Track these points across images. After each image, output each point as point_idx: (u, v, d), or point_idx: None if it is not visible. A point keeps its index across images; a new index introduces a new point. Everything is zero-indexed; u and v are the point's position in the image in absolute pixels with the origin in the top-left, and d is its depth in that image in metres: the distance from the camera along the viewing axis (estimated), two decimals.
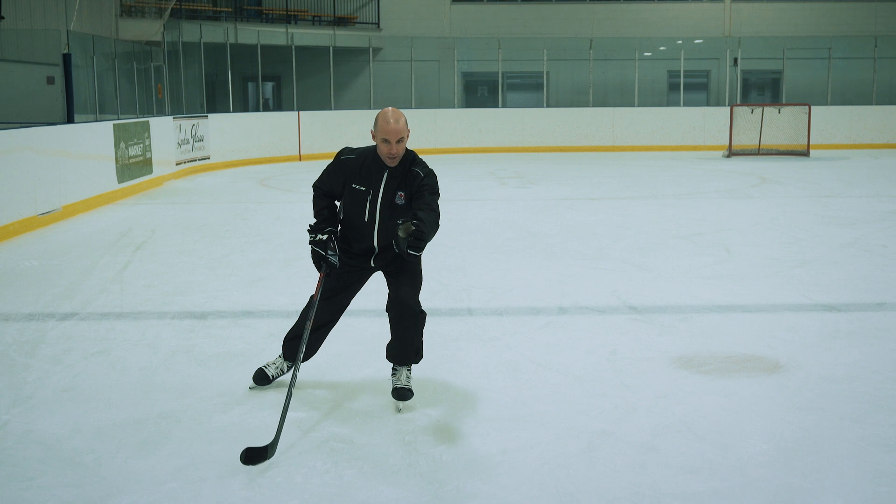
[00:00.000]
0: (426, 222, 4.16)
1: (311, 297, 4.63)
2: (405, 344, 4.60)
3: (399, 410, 4.51)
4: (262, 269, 8.15)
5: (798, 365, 5.22)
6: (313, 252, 4.56)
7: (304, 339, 4.51)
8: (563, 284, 7.44)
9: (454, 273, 7.81)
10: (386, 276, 4.66)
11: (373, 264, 4.62)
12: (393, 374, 4.65)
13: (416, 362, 4.69)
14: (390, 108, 4.43)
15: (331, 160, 4.64)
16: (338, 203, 4.65)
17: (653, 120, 24.66)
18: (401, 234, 3.99)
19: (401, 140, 4.34)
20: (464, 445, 4.11)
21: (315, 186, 4.65)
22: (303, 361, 4.76)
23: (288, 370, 4.83)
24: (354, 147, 4.61)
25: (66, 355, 5.56)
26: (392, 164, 4.40)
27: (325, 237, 4.52)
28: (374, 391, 4.71)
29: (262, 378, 4.84)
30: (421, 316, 4.61)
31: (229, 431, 4.28)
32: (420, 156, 4.59)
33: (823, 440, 4.12)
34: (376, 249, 4.57)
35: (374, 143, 4.48)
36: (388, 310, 4.62)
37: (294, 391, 4.81)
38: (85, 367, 5.32)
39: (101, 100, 17.22)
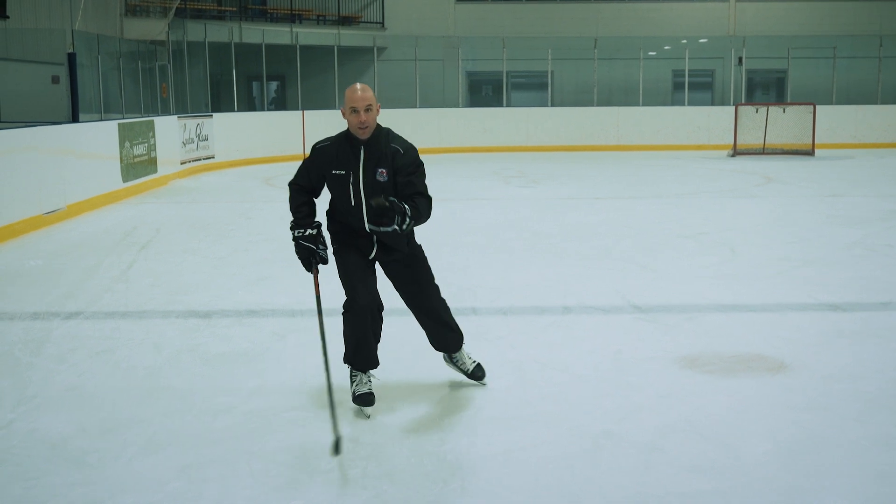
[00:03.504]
0: (419, 209, 4.28)
1: (317, 299, 4.53)
2: (450, 332, 4.75)
3: (484, 383, 4.80)
4: (266, 268, 8.16)
5: (802, 364, 5.22)
6: (301, 248, 4.46)
7: (366, 342, 4.48)
8: (568, 284, 7.44)
9: (458, 273, 7.81)
10: (395, 284, 4.65)
11: (373, 257, 4.52)
12: (453, 361, 4.83)
13: (464, 341, 4.85)
14: (358, 82, 4.47)
15: None
16: (316, 200, 4.59)
17: (657, 119, 24.62)
18: (373, 203, 4.11)
19: (369, 108, 4.32)
20: (468, 444, 4.11)
21: (291, 184, 4.57)
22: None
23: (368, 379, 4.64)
24: (325, 137, 4.56)
25: (70, 354, 5.57)
26: (363, 135, 4.35)
27: (314, 231, 4.46)
28: (378, 390, 4.71)
29: (367, 399, 4.53)
30: (445, 304, 4.75)
31: (233, 431, 4.29)
32: (419, 150, 4.53)
33: (827, 440, 4.12)
34: (374, 239, 4.46)
35: (343, 131, 4.46)
36: (415, 313, 4.71)
37: (299, 389, 4.82)
38: (90, 367, 5.33)
39: (105, 99, 17.24)
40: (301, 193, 4.54)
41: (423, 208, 4.32)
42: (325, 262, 4.49)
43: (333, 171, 4.42)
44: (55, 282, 7.72)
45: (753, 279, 7.57)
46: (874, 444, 4.07)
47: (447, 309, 4.77)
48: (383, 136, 4.43)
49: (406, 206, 4.18)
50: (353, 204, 4.42)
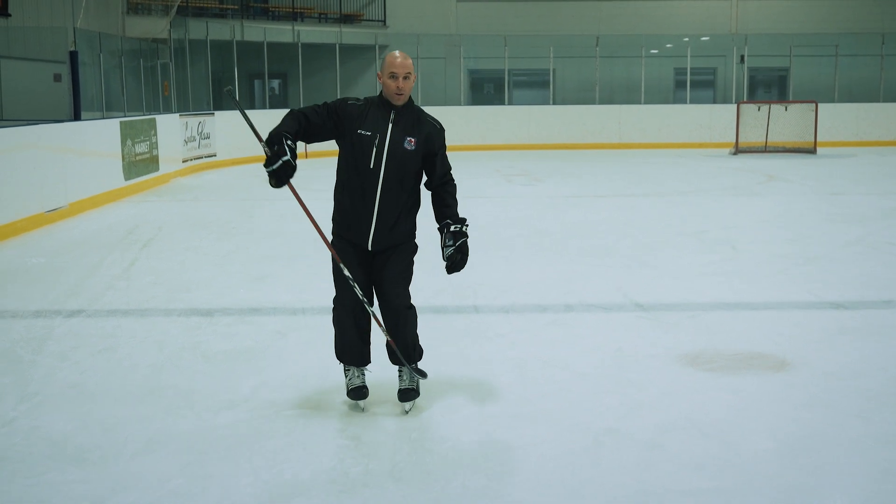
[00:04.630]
0: (456, 198, 4.51)
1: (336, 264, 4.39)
2: (402, 344, 4.49)
3: (406, 412, 4.50)
4: (267, 266, 8.16)
5: (804, 362, 5.22)
6: (282, 152, 4.16)
7: (355, 341, 4.47)
8: (569, 282, 7.44)
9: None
10: (375, 262, 4.45)
11: (371, 248, 4.39)
12: (399, 376, 4.58)
13: (419, 359, 4.62)
14: (398, 50, 4.46)
15: (336, 156, 4.50)
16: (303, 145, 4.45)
17: (659, 117, 24.62)
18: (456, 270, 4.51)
19: (408, 76, 4.32)
20: (469, 443, 4.11)
21: (295, 110, 4.33)
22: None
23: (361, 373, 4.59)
24: (355, 97, 4.50)
25: (72, 352, 5.58)
26: (399, 101, 4.35)
27: (294, 148, 4.21)
28: (380, 388, 4.71)
29: (360, 393, 4.54)
30: (411, 312, 4.50)
31: (236, 428, 4.29)
32: None
33: (829, 437, 4.12)
34: (376, 210, 4.33)
35: (373, 95, 4.45)
36: (377, 299, 4.50)
37: (301, 387, 4.82)
38: (91, 364, 5.33)
39: (107, 97, 17.25)
40: (297, 123, 4.28)
41: (455, 195, 4.55)
42: (285, 162, 4.19)
43: (359, 131, 4.34)
44: (57, 280, 7.72)
45: (755, 277, 7.57)
46: (876, 442, 4.06)
47: (411, 318, 4.50)
48: (416, 108, 4.45)
49: (460, 226, 4.48)
50: (371, 167, 4.33)
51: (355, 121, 4.35)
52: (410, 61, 4.36)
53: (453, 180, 4.57)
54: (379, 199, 4.35)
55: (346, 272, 4.36)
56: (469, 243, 4.54)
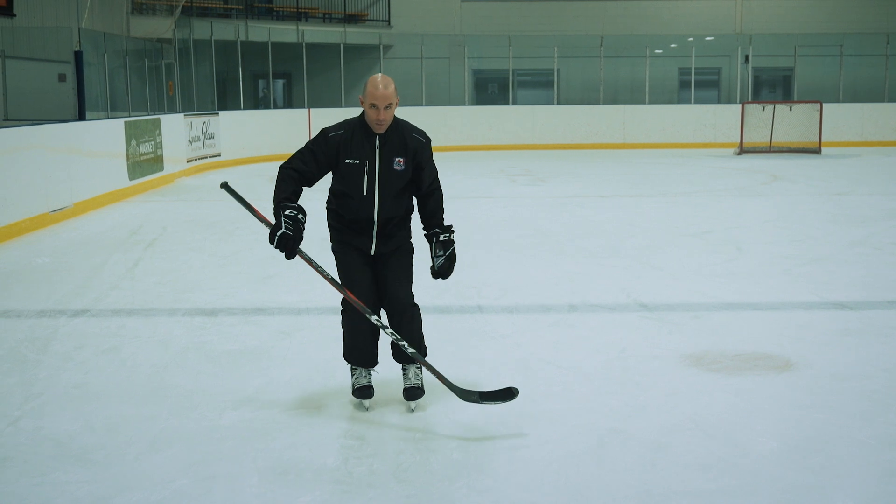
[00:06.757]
0: (442, 208, 4.52)
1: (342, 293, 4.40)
2: (409, 341, 4.49)
3: (412, 410, 4.50)
4: (271, 267, 8.16)
5: (808, 363, 5.21)
6: (288, 227, 4.19)
7: (365, 342, 4.51)
8: (573, 282, 7.44)
9: (464, 270, 7.79)
10: (377, 266, 4.51)
11: (373, 253, 4.46)
12: (403, 374, 4.60)
13: (423, 357, 4.63)
14: (380, 74, 4.40)
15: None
16: (309, 189, 4.44)
17: (663, 117, 24.60)
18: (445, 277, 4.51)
19: (389, 106, 4.28)
20: (473, 443, 4.11)
21: (284, 168, 4.34)
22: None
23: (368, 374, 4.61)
24: (335, 124, 4.44)
25: (77, 352, 5.59)
26: (380, 130, 4.32)
27: (303, 221, 4.24)
28: (384, 388, 4.71)
29: (366, 392, 4.56)
30: (416, 310, 4.52)
31: (240, 429, 4.30)
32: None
33: (833, 438, 4.11)
34: (375, 226, 4.41)
35: (354, 118, 4.42)
36: (384, 304, 4.53)
37: (305, 387, 4.83)
38: (96, 364, 5.34)
39: (112, 97, 17.27)
40: (292, 182, 4.34)
41: (442, 203, 4.57)
42: (291, 243, 4.22)
43: (347, 161, 4.34)
44: (61, 279, 7.73)
45: (759, 277, 7.56)
46: (881, 443, 4.06)
47: (416, 315, 4.53)
48: (400, 126, 4.42)
49: (448, 235, 4.49)
50: (364, 193, 4.37)
51: (341, 150, 4.35)
52: (392, 90, 4.28)
53: (440, 187, 4.59)
54: (377, 218, 4.43)
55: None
56: (457, 248, 4.58)
